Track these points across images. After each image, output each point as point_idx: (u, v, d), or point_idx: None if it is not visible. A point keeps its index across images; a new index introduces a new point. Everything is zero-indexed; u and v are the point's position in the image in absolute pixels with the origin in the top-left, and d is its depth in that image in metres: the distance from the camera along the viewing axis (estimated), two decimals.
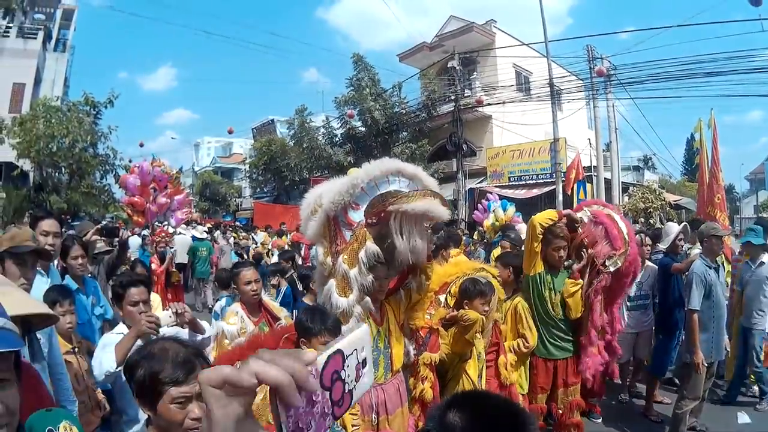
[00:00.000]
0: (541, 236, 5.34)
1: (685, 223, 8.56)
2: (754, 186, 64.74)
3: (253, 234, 21.03)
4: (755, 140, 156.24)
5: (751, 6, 15.41)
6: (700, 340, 5.89)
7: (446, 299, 5.05)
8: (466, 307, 4.58)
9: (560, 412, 5.58)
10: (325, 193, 4.15)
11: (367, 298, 3.98)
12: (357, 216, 4.04)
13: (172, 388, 2.05)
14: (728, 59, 19.95)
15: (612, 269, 5.46)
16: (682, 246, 7.56)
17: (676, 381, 7.61)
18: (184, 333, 4.12)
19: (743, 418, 7.11)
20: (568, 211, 5.68)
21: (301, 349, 3.26)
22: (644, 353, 7.54)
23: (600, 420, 6.73)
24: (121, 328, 3.99)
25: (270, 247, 16.51)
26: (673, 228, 7.74)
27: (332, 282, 3.99)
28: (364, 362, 1.07)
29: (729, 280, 9.11)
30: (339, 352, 0.98)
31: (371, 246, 3.89)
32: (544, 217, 5.32)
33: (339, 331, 3.49)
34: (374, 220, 4.01)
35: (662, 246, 7.58)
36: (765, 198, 53.73)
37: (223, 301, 6.78)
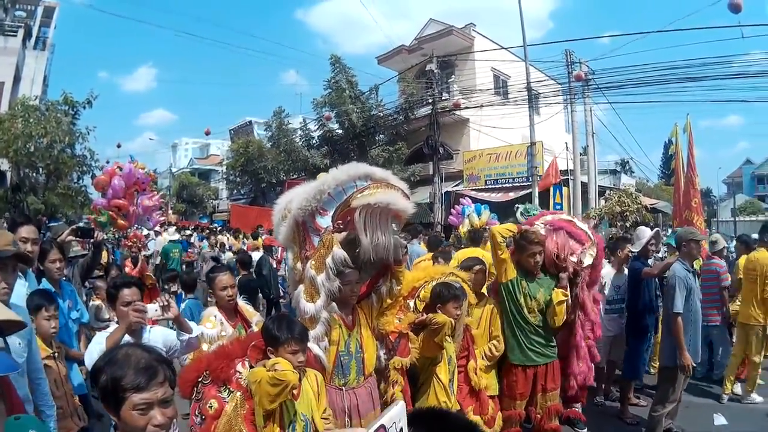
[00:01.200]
0: (503, 244, 5.35)
1: (657, 228, 8.63)
2: (731, 189, 66.26)
3: (228, 236, 20.91)
4: (733, 144, 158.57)
5: (730, 13, 15.55)
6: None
7: (415, 304, 5.03)
8: (439, 311, 4.57)
9: (539, 417, 5.55)
10: (294, 198, 4.16)
11: (334, 304, 3.98)
12: (324, 222, 4.06)
13: (134, 394, 2.00)
14: (706, 65, 20.17)
15: (589, 262, 5.64)
16: (654, 250, 7.57)
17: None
18: (172, 333, 4.19)
19: (719, 419, 7.16)
20: (526, 226, 5.70)
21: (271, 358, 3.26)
22: (619, 356, 7.56)
23: (585, 430, 6.68)
24: (114, 328, 4.01)
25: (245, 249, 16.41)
26: (645, 232, 7.76)
27: (301, 287, 3.98)
28: (401, 430, 1.36)
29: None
30: (382, 426, 1.29)
31: (338, 252, 3.89)
32: (504, 228, 5.37)
33: (306, 339, 3.49)
34: (341, 225, 4.02)
35: (634, 249, 7.58)
36: (742, 201, 54.34)
37: (183, 305, 6.70)
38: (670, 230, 12.59)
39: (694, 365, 6.04)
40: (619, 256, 7.59)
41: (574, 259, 5.56)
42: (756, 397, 7.81)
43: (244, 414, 3.17)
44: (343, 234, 3.99)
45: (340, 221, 4.02)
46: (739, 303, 8.46)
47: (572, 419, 6.55)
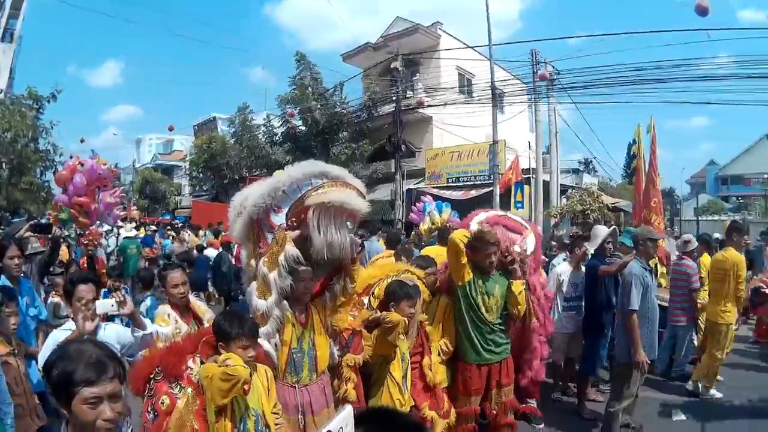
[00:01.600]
0: (465, 250, 5.33)
1: (614, 226, 8.75)
2: (695, 189, 67.12)
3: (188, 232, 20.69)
4: (697, 146, 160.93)
5: (698, 16, 15.77)
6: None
7: (369, 301, 5.07)
8: (392, 309, 4.58)
9: (494, 412, 5.56)
10: (250, 195, 4.19)
11: (285, 302, 3.99)
12: (278, 219, 4.08)
13: (84, 388, 2.01)
14: (672, 67, 20.50)
15: (531, 249, 5.84)
16: (611, 249, 7.67)
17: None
18: (126, 330, 4.22)
19: (678, 415, 7.29)
20: (482, 227, 5.64)
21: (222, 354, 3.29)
22: (577, 353, 7.64)
23: (542, 425, 6.78)
24: (70, 325, 4.06)
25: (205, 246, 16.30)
26: (602, 230, 7.86)
27: (254, 284, 4.02)
28: None
29: (663, 281, 9.36)
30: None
31: (291, 249, 3.90)
32: (461, 235, 5.35)
33: (257, 335, 3.53)
34: (295, 223, 4.04)
35: (590, 248, 7.67)
36: (705, 201, 55.33)
37: (148, 301, 6.65)
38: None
39: (649, 362, 6.10)
40: (576, 254, 7.67)
41: (518, 249, 5.65)
42: (715, 393, 7.96)
43: (195, 410, 3.19)
44: (297, 232, 4.01)
45: (294, 219, 4.04)
46: (700, 301, 8.72)
47: (528, 415, 6.64)
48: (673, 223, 49.68)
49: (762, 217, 37.57)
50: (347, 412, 1.45)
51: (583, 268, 7.63)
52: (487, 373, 5.50)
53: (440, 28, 29.39)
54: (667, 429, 7.03)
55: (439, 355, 5.39)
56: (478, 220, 5.90)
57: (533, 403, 6.59)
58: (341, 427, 1.39)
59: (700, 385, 8.09)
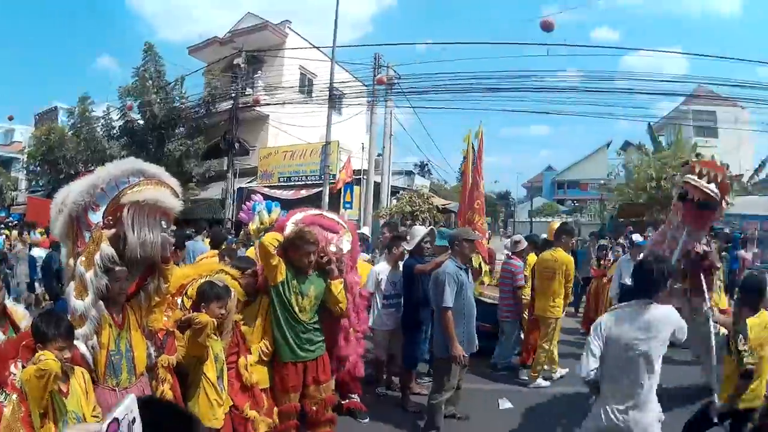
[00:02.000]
0: (276, 252, 5.40)
1: (432, 227, 9.07)
2: (530, 193, 70.48)
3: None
4: (536, 152, 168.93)
5: (542, 31, 16.50)
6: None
7: (183, 301, 5.08)
8: (203, 310, 4.61)
9: (314, 408, 5.68)
10: (71, 192, 4.12)
11: (101, 302, 3.93)
12: (96, 217, 4.05)
13: None
14: (511, 77, 21.68)
15: (348, 247, 5.97)
16: (428, 248, 7.92)
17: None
18: None
19: (504, 404, 7.67)
20: (301, 226, 5.74)
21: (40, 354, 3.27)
22: (398, 349, 7.79)
23: (367, 420, 6.94)
24: None
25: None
26: (419, 231, 8.10)
27: (72, 284, 3.93)
28: (134, 420, 1.47)
29: (487, 279, 9.78)
30: (115, 419, 1.40)
31: (106, 248, 3.87)
32: (272, 239, 5.44)
33: (72, 336, 3.53)
34: (112, 221, 4.01)
35: (408, 247, 7.87)
36: (541, 204, 58.02)
37: None
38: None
39: (466, 355, 6.35)
40: (394, 253, 7.83)
41: (334, 248, 5.78)
42: (542, 382, 8.46)
43: (21, 416, 3.17)
44: (113, 230, 3.97)
45: (111, 217, 4.01)
46: (524, 298, 9.23)
47: (353, 410, 6.84)
48: (507, 224, 51.78)
49: (594, 219, 39.81)
50: (131, 399, 1.50)
51: (401, 267, 7.81)
52: (303, 370, 5.60)
53: (288, 27, 29.41)
54: (494, 417, 7.33)
55: (261, 354, 5.44)
56: (294, 220, 5.94)
57: (356, 398, 6.82)
58: (126, 414, 1.43)
59: (526, 374, 8.68)
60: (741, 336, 4.87)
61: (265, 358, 5.49)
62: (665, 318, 4.21)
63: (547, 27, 16.42)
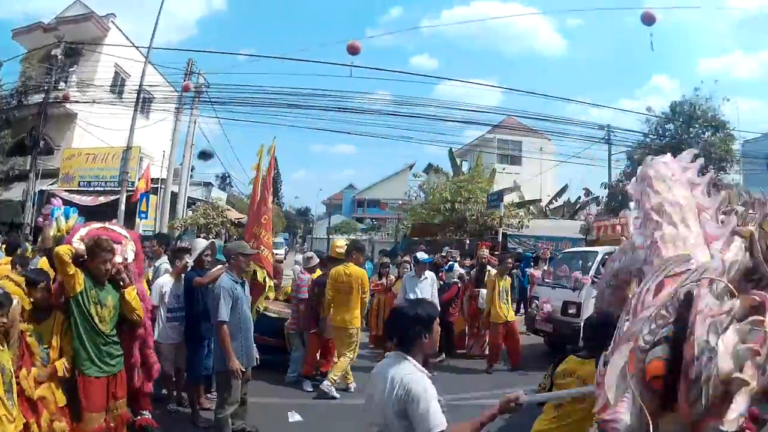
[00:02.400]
0: (71, 261, 5.30)
1: (213, 240, 9.49)
2: (329, 210, 72.16)
3: None
4: (340, 170, 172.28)
5: (348, 54, 17.38)
6: (232, 349, 6.35)
7: None
8: None
9: (112, 425, 5.57)
10: None
11: None
12: None
13: None
14: (315, 95, 23.13)
15: (132, 257, 6.05)
16: (208, 261, 8.05)
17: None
18: None
19: (294, 417, 7.85)
20: (98, 234, 5.79)
21: None
22: (184, 362, 7.79)
23: None
24: None
25: None
26: (201, 244, 8.25)
27: None
28: None
29: (272, 294, 10.19)
30: None
31: None
32: (66, 249, 5.32)
33: None
34: None
35: (189, 261, 7.94)
36: (338, 221, 59.53)
37: None
38: None
39: (243, 369, 6.46)
40: (177, 266, 7.90)
41: (119, 259, 5.78)
42: (333, 391, 8.75)
43: None
44: None
45: None
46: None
47: (145, 426, 6.61)
48: (305, 240, 52.45)
49: (390, 237, 42.12)
50: None
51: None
52: (106, 385, 5.52)
53: (112, 21, 28.57)
54: (284, 431, 7.58)
55: (64, 372, 5.25)
56: (79, 236, 5.80)
57: (147, 414, 6.61)
58: None
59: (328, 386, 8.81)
60: None
61: (67, 375, 5.29)
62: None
63: (352, 50, 17.26)
